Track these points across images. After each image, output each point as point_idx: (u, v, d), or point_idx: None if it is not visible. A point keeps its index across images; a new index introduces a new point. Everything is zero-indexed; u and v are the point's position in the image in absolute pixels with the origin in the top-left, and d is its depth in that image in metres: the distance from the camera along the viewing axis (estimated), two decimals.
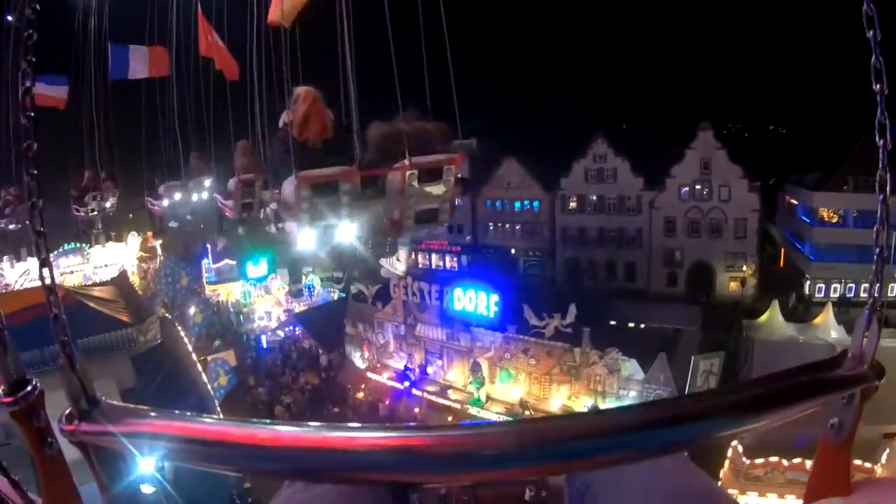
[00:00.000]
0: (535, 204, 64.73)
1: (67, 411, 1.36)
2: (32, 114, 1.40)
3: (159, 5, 19.12)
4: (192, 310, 45.11)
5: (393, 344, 39.33)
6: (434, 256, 71.06)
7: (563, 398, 31.70)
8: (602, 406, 28.55)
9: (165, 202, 19.73)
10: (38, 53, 1.35)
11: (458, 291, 35.34)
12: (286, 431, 1.24)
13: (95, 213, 24.97)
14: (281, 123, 8.52)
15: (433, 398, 35.21)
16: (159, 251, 54.93)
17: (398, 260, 10.27)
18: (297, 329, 47.62)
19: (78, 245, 47.62)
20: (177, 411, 1.36)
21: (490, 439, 1.17)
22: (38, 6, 1.46)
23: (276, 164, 8.44)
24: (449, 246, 69.23)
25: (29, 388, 1.34)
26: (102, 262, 49.65)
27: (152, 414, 1.36)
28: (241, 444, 1.24)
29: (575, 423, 1.22)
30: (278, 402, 37.49)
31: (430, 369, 37.21)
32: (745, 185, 54.79)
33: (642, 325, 39.48)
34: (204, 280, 52.67)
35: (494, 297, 34.11)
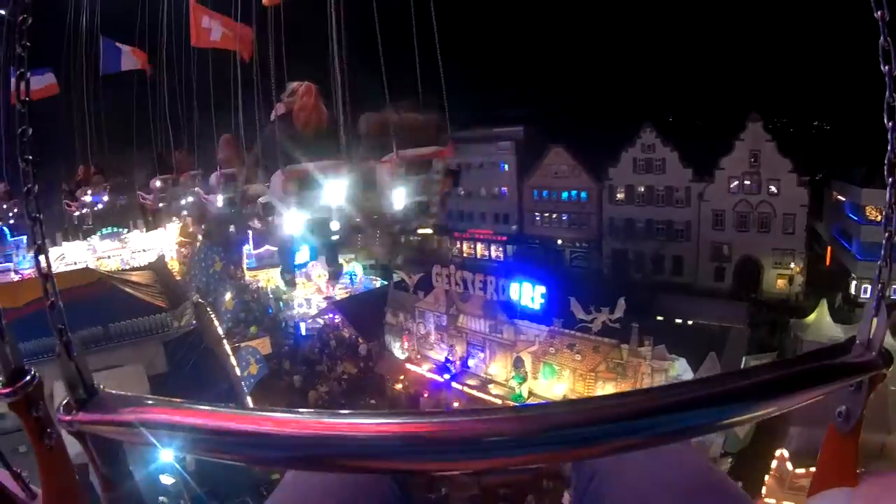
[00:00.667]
0: (584, 195, 64.36)
1: (65, 401, 1.35)
2: (27, 98, 1.39)
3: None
4: (227, 295, 45.32)
5: (434, 335, 38.59)
6: (479, 246, 71.11)
7: None
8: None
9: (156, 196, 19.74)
10: (29, 47, 1.35)
11: (502, 282, 34.44)
12: (288, 419, 1.23)
13: (93, 208, 25.21)
14: (273, 116, 8.51)
15: (473, 392, 34.55)
16: (199, 236, 54.84)
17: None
18: (336, 317, 47.51)
19: (116, 229, 48.08)
20: (177, 399, 1.34)
21: (496, 426, 1.16)
22: None
23: (267, 156, 8.44)
24: (494, 235, 69.38)
25: (27, 378, 1.35)
26: (140, 247, 50.11)
27: (150, 402, 1.35)
28: (243, 432, 1.23)
29: (582, 409, 1.20)
30: (313, 389, 37.57)
31: (471, 362, 36.42)
32: (795, 180, 53.68)
33: (689, 322, 38.34)
34: (244, 266, 52.89)
35: (540, 289, 33.28)
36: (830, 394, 1.41)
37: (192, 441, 1.27)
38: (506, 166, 68.20)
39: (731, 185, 55.78)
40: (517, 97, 73.08)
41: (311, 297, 52.73)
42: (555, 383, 32.05)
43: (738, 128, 55.31)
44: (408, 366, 38.88)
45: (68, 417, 1.34)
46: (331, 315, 48.25)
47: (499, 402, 32.57)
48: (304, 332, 47.57)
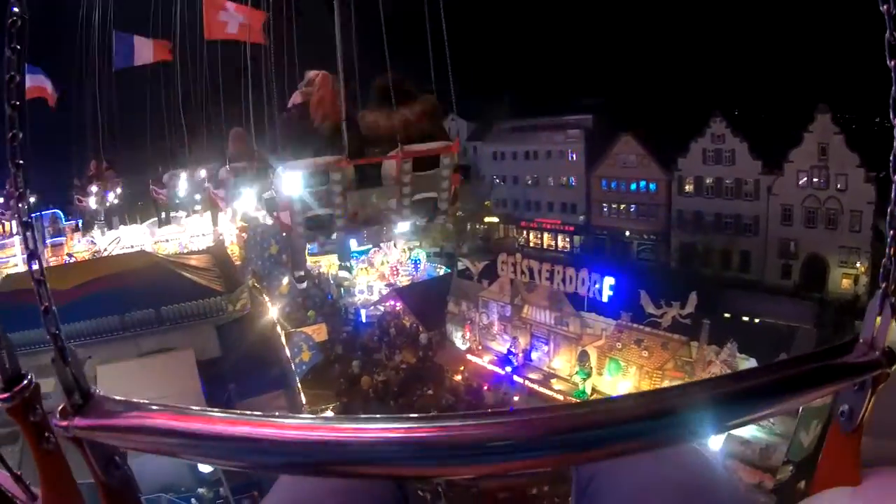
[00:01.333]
0: (652, 186, 63.89)
1: (61, 406, 1.34)
2: (18, 102, 1.38)
3: None
4: (283, 280, 45.72)
5: (497, 325, 37.87)
6: (545, 235, 71.10)
7: None
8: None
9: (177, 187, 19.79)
10: (41, 44, 1.35)
11: (570, 272, 33.49)
12: (287, 425, 1.23)
13: (106, 203, 25.55)
14: (290, 104, 8.48)
15: (535, 387, 33.65)
16: (261, 220, 54.52)
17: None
18: (397, 305, 47.46)
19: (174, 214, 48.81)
20: (175, 405, 1.34)
21: (495, 430, 1.16)
22: None
23: (285, 145, 8.40)
24: (561, 225, 69.29)
25: (25, 382, 1.34)
26: (199, 231, 50.39)
27: (150, 407, 1.34)
28: (241, 438, 1.23)
29: (583, 412, 1.20)
30: (368, 374, 37.48)
31: (534, 355, 35.47)
32: (862, 175, 52.07)
33: (756, 320, 37.85)
34: (306, 252, 52.66)
35: (609, 280, 32.45)
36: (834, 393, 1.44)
37: (189, 447, 1.27)
38: (574, 155, 67.95)
39: (800, 179, 54.87)
40: (587, 85, 72.73)
41: (373, 283, 53.33)
42: (620, 380, 31.05)
43: (807, 119, 54.30)
44: (469, 357, 38.25)
45: (65, 423, 1.32)
46: (392, 302, 48.26)
47: (561, 398, 31.85)
48: (364, 320, 47.81)
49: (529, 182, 70.64)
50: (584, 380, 31.79)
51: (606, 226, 67.49)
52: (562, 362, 34.21)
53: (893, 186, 1.47)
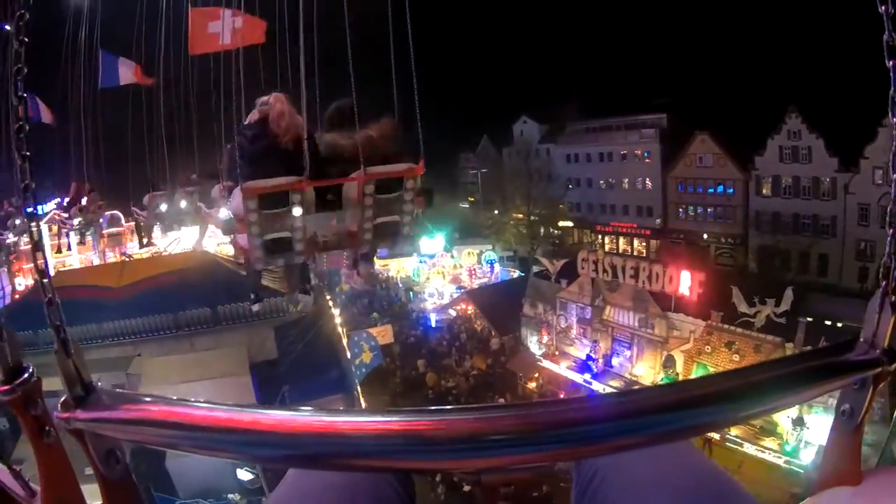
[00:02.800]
0: (730, 190, 62.13)
1: (63, 399, 1.35)
2: (24, 94, 1.41)
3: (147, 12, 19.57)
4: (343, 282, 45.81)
5: (576, 329, 36.59)
6: (621, 240, 70.31)
7: None
8: (807, 418, 26.32)
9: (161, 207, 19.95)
10: (26, 42, 1.38)
11: (656, 268, 32.31)
12: (289, 417, 1.24)
13: (86, 225, 25.88)
14: (247, 121, 8.31)
15: None
16: None
17: (358, 275, 10.10)
18: (469, 308, 47.26)
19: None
20: (174, 397, 1.35)
21: (496, 424, 1.16)
22: None
23: (242, 165, 8.21)
24: (637, 229, 68.36)
25: (26, 375, 1.36)
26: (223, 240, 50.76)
27: (149, 399, 1.35)
28: (242, 430, 1.24)
29: (584, 407, 1.20)
30: (432, 372, 37.48)
31: (615, 361, 34.27)
32: None
33: (839, 324, 37.29)
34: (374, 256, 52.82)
35: (699, 277, 31.45)
36: (835, 391, 1.44)
37: (190, 439, 1.29)
38: (649, 156, 67.11)
39: (876, 177, 53.20)
40: (659, 83, 72.12)
41: (444, 288, 53.23)
42: None
43: (882, 113, 52.74)
44: (544, 363, 37.20)
45: (66, 415, 1.34)
46: (463, 306, 48.09)
47: None
48: (433, 325, 47.46)
49: (604, 185, 70.05)
50: None
51: (683, 229, 65.76)
52: (645, 368, 33.09)
53: (893, 186, 1.53)
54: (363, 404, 27.75)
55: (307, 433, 1.20)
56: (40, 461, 1.41)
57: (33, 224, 1.46)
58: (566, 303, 37.04)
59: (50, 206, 33.66)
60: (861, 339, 1.44)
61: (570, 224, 73.79)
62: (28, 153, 1.41)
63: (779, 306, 29.01)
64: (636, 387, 28.77)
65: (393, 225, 8.24)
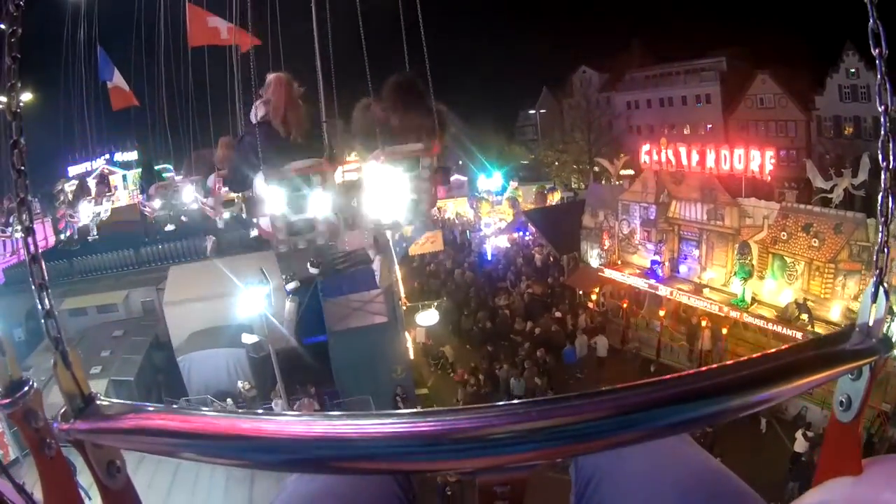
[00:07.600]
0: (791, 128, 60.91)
1: (63, 410, 1.40)
2: (19, 110, 1.44)
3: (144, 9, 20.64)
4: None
5: (639, 233, 35.52)
6: None
7: (849, 299, 26.16)
8: None
9: (156, 203, 19.87)
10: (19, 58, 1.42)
11: (724, 150, 31.13)
12: (290, 423, 1.27)
13: (97, 217, 26.01)
14: (254, 118, 8.21)
15: (685, 299, 31.48)
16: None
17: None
18: (527, 235, 47.51)
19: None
20: (174, 405, 1.43)
21: (491, 422, 1.17)
22: (21, 2, 1.51)
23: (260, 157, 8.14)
24: None
25: (26, 388, 1.40)
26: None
27: (150, 409, 1.39)
28: (242, 437, 1.26)
29: (579, 404, 1.20)
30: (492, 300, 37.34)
31: (682, 268, 33.23)
32: None
33: None
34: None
35: (769, 151, 30.75)
36: (831, 381, 1.43)
37: (191, 447, 1.32)
38: (709, 99, 65.90)
39: None
40: (717, 26, 70.88)
41: (499, 222, 53.90)
42: (785, 286, 28.35)
43: None
44: (605, 271, 36.26)
45: (66, 426, 1.38)
46: (521, 233, 48.30)
47: (715, 308, 30.02)
48: (489, 257, 47.41)
49: (665, 131, 69.38)
50: (745, 280, 29.31)
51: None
52: (715, 270, 31.89)
53: (883, 173, 1.58)
54: (402, 291, 30.53)
55: (307, 437, 1.24)
56: (42, 474, 1.45)
57: (30, 240, 1.47)
58: (629, 205, 36.13)
59: (100, 162, 34.46)
60: (856, 329, 1.48)
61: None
62: (23, 167, 1.46)
63: (856, 176, 28.41)
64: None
65: (411, 203, 8.24)
